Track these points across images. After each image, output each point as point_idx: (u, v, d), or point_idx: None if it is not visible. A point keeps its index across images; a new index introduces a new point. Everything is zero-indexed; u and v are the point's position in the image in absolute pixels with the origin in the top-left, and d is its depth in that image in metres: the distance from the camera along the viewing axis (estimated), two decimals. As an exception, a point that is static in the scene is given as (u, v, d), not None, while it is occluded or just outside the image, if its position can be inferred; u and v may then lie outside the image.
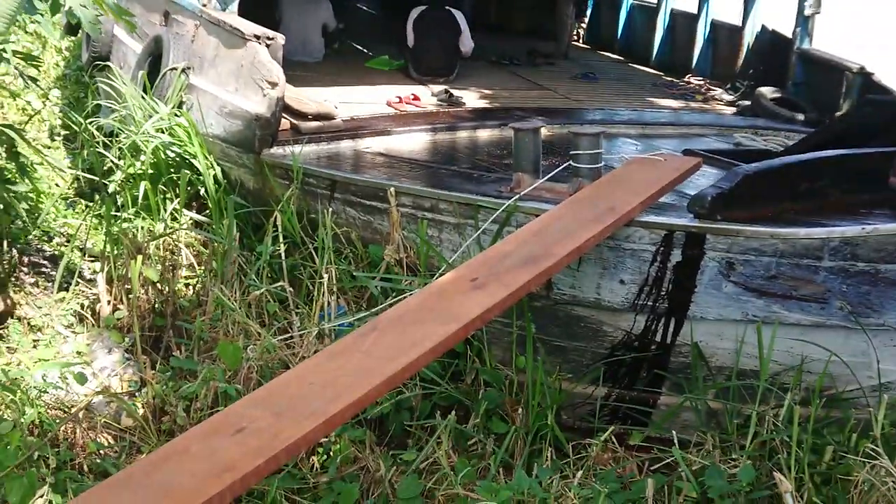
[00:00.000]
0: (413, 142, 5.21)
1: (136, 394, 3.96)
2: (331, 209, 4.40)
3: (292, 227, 4.51)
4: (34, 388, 3.42)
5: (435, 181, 4.34)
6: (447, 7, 7.43)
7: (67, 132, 7.44)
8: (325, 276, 4.11)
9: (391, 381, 2.57)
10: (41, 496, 2.55)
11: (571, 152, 3.76)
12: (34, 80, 4.89)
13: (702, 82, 8.11)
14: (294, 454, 2.41)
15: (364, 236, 4.43)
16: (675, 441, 3.08)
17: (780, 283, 3.26)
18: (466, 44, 7.36)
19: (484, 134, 5.46)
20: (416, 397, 3.85)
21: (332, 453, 3.64)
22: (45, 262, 4.98)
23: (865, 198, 3.46)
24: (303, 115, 5.15)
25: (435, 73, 7.11)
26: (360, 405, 2.51)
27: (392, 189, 4.08)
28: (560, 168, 3.85)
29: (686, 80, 8.24)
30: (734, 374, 3.41)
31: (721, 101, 7.48)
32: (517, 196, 3.75)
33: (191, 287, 4.91)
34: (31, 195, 5.20)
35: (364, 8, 10.80)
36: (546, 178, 3.81)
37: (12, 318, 4.23)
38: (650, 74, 8.53)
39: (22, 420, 3.11)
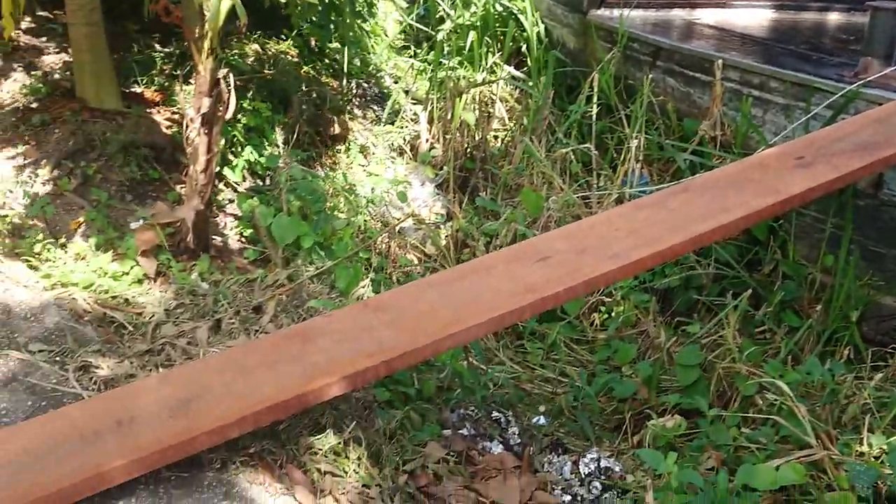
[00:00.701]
0: (749, 17, 4.90)
1: (442, 225, 4.27)
2: (650, 76, 4.31)
3: (608, 89, 4.50)
4: (363, 197, 3.82)
5: (768, 58, 4.08)
6: None
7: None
8: (634, 142, 4.09)
9: (697, 240, 2.56)
10: (362, 287, 2.91)
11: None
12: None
13: None
14: (592, 289, 2.51)
15: (680, 108, 4.31)
16: None
17: None
18: None
19: (831, 17, 4.99)
20: (708, 276, 3.78)
21: (613, 314, 3.73)
22: (376, 98, 5.42)
23: None
24: (636, -21, 5.03)
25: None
26: (661, 257, 2.54)
27: (719, 61, 3.90)
28: (921, 56, 3.45)
29: None
30: None
31: None
32: (862, 81, 3.43)
33: (499, 139, 5.12)
34: (369, 34, 5.62)
35: None
36: (900, 65, 3.45)
37: (346, 141, 4.70)
38: None
39: (353, 221, 3.51)
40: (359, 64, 5.45)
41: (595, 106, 4.47)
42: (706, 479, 2.40)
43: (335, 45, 5.24)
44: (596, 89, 4.46)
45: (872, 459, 2.41)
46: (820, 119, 3.54)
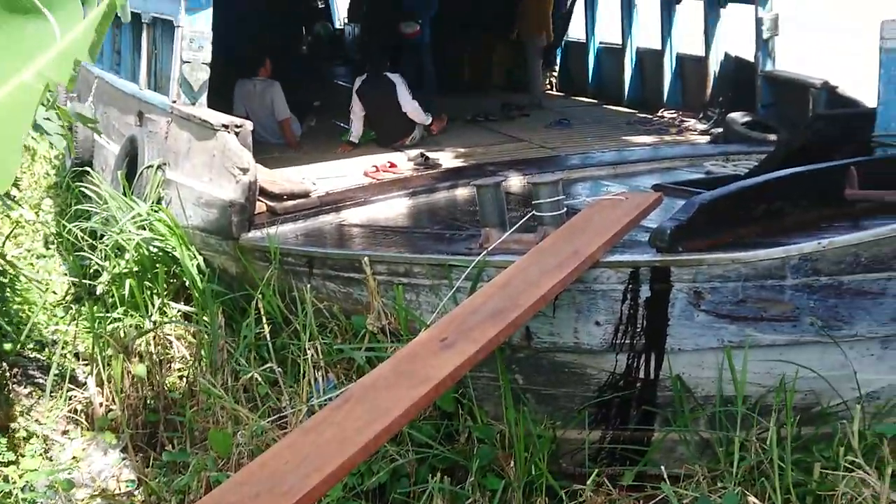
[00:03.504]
0: (389, 209, 5.28)
1: (134, 493, 3.96)
2: (310, 285, 4.45)
3: (273, 308, 4.56)
4: (22, 500, 3.44)
5: (409, 245, 4.40)
6: (384, 73, 7.22)
7: (61, 239, 7.56)
8: (310, 352, 4.14)
9: (366, 449, 2.59)
10: None
11: (533, 202, 3.82)
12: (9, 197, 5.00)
13: (675, 115, 8.23)
14: (271, 535, 2.41)
15: (346, 308, 4.47)
16: (665, 476, 3.06)
17: (749, 307, 3.28)
18: (408, 107, 7.09)
19: (459, 193, 5.53)
20: (412, 463, 3.84)
21: (334, 529, 3.63)
22: (39, 370, 5.03)
23: (825, 212, 3.50)
24: (278, 197, 5.23)
25: (393, 139, 7.06)
26: (336, 477, 2.52)
27: (366, 258, 4.14)
28: (524, 220, 3.89)
29: (659, 114, 8.36)
30: (718, 401, 3.40)
31: (695, 130, 7.60)
32: (486, 251, 3.80)
33: (185, 379, 4.94)
34: (21, 307, 5.27)
35: (342, 84, 11.02)
36: (512, 230, 3.86)
37: (8, 430, 4.26)
38: (624, 113, 8.65)
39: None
40: (10, 340, 5.06)
41: (267, 325, 4.50)
42: None
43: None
44: (262, 309, 4.50)
45: None
46: (464, 291, 3.84)
